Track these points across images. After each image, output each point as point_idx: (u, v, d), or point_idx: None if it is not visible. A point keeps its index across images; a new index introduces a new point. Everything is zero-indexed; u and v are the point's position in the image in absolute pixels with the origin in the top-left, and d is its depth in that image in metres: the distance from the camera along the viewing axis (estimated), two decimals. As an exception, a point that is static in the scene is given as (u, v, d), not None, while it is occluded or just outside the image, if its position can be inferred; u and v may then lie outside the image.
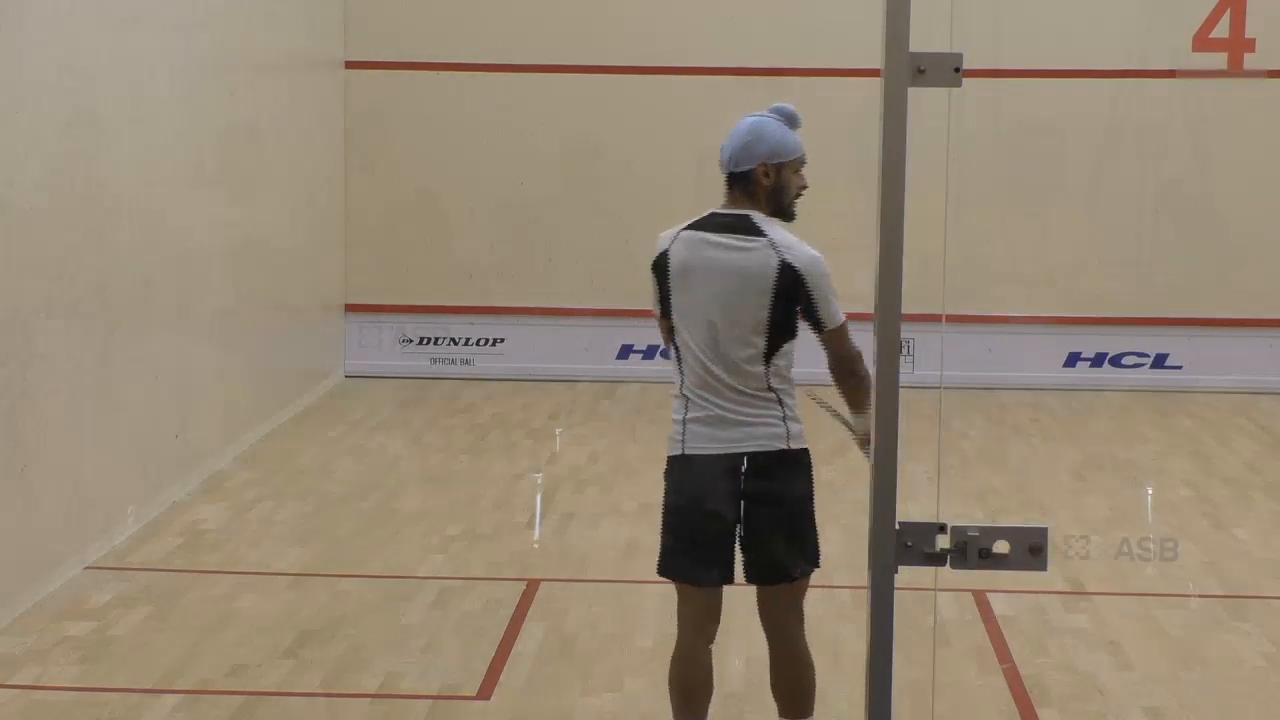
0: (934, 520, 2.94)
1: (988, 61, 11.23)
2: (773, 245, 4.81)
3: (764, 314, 4.78)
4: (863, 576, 2.91)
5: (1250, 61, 11.62)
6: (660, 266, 4.87)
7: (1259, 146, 11.82)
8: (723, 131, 5.00)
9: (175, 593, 7.09)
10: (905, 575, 2.90)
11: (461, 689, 6.01)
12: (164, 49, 8.42)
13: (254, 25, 9.91)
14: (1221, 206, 11.88)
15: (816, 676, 5.10)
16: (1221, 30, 11.56)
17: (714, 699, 6.01)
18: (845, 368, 4.86)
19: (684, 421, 4.87)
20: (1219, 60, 11.59)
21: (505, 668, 6.22)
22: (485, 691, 5.99)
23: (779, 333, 4.82)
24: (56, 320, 7.10)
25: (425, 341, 12.19)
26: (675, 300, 4.84)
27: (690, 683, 5.04)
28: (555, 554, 7.82)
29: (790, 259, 4.80)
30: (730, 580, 4.98)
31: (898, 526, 2.92)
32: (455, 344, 12.19)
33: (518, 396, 11.56)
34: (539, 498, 8.96)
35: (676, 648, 5.07)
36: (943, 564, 2.92)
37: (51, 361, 7.04)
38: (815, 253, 4.86)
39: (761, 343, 4.82)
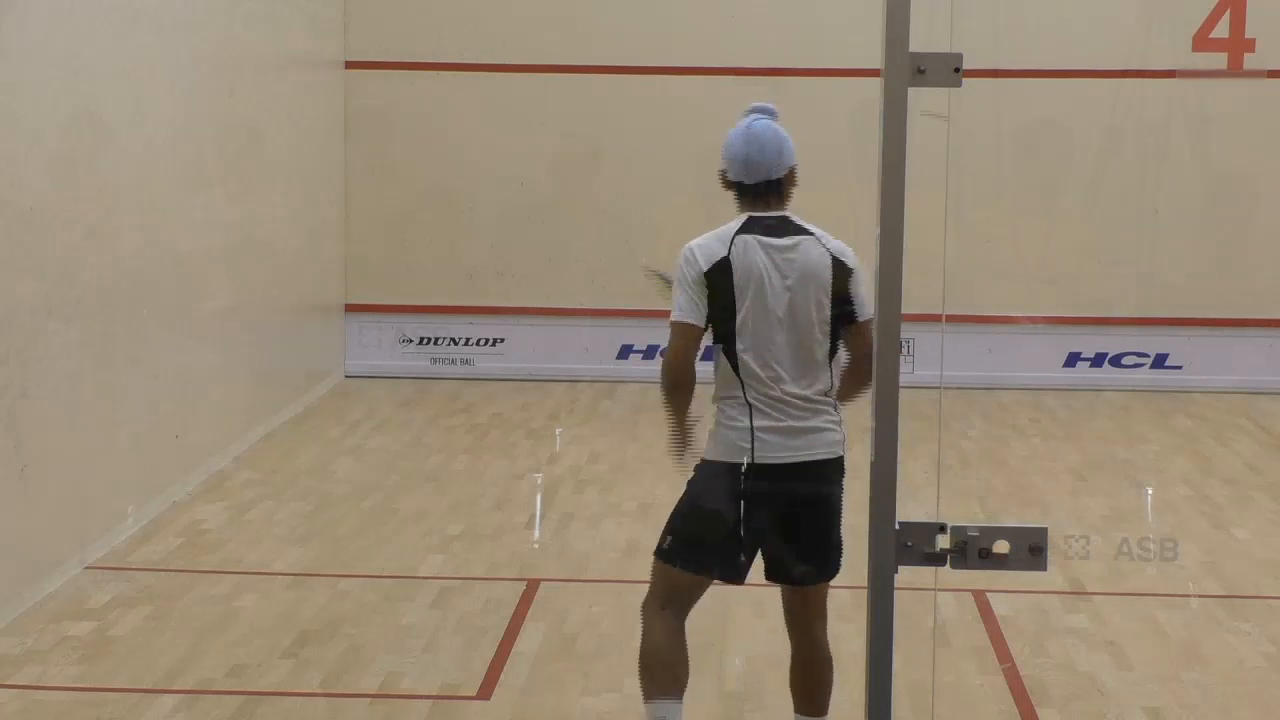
0: (934, 520, 2.94)
1: (988, 61, 11.22)
2: (819, 241, 4.88)
3: (826, 312, 4.82)
4: (863, 576, 2.91)
5: (1250, 61, 11.62)
6: (722, 272, 4.80)
7: (1259, 146, 11.82)
8: (724, 131, 5.00)
9: (175, 593, 7.08)
10: (905, 575, 2.90)
11: (461, 689, 6.01)
12: (164, 49, 8.42)
13: (254, 25, 9.91)
14: (1221, 206, 11.88)
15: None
16: (1221, 30, 11.56)
17: (715, 699, 6.02)
18: (866, 366, 4.77)
19: (751, 429, 4.83)
20: (1219, 60, 11.60)
21: (505, 668, 6.22)
22: (485, 691, 5.99)
23: (835, 331, 4.86)
24: (56, 320, 7.10)
25: (425, 341, 12.19)
26: (744, 307, 4.81)
27: (677, 662, 5.01)
28: (555, 554, 7.82)
29: (835, 252, 4.87)
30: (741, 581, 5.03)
31: (898, 526, 2.92)
32: (455, 344, 12.19)
33: (518, 396, 11.56)
34: (539, 498, 8.96)
35: (659, 632, 5.00)
36: (943, 564, 2.92)
37: (51, 361, 7.04)
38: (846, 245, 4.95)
39: (827, 343, 4.84)
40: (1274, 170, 11.84)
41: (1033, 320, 11.91)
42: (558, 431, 10.62)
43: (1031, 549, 2.87)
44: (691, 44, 11.90)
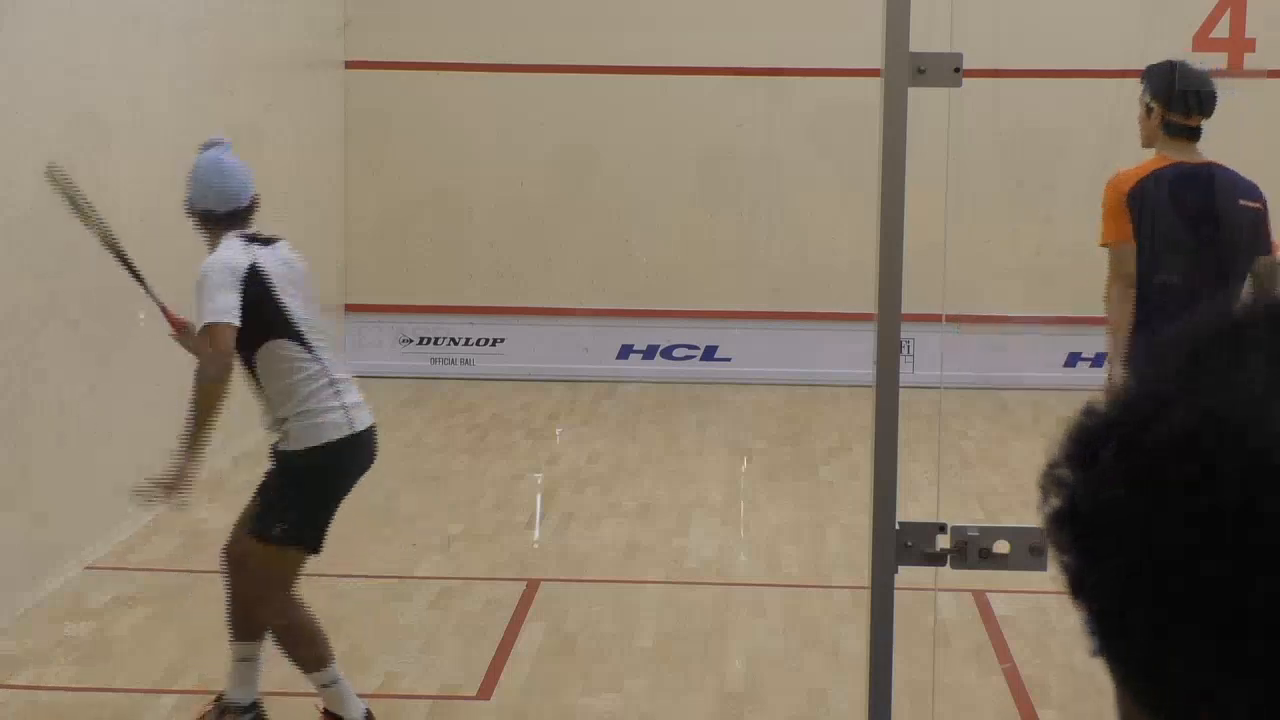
0: (934, 520, 2.94)
1: (988, 61, 11.22)
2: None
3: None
4: (863, 576, 2.91)
5: (1250, 61, 11.62)
6: (256, 278, 5.27)
7: (1259, 146, 11.82)
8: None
9: (175, 593, 7.08)
10: (905, 575, 2.90)
11: (461, 689, 6.01)
12: (164, 49, 8.42)
13: (254, 25, 9.91)
14: (1221, 206, 11.88)
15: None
16: (1221, 30, 11.56)
17: (714, 699, 6.04)
18: None
19: (344, 405, 5.34)
20: (1219, 60, 11.59)
21: (505, 668, 6.22)
22: (485, 691, 5.99)
23: None
24: (56, 321, 7.10)
25: (425, 341, 12.19)
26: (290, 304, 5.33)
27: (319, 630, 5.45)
28: (555, 554, 7.82)
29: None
30: None
31: (898, 526, 2.92)
32: (455, 344, 12.19)
33: (518, 396, 11.55)
34: (539, 498, 8.96)
35: (301, 611, 5.41)
36: (943, 564, 2.92)
37: (51, 362, 7.04)
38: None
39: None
40: (1274, 170, 11.83)
41: (1033, 320, 11.91)
42: (558, 431, 10.62)
43: (1031, 549, 2.87)
44: (691, 44, 11.89)
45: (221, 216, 5.34)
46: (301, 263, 5.54)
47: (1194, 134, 6.77)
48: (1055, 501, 0.90)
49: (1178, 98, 6.81)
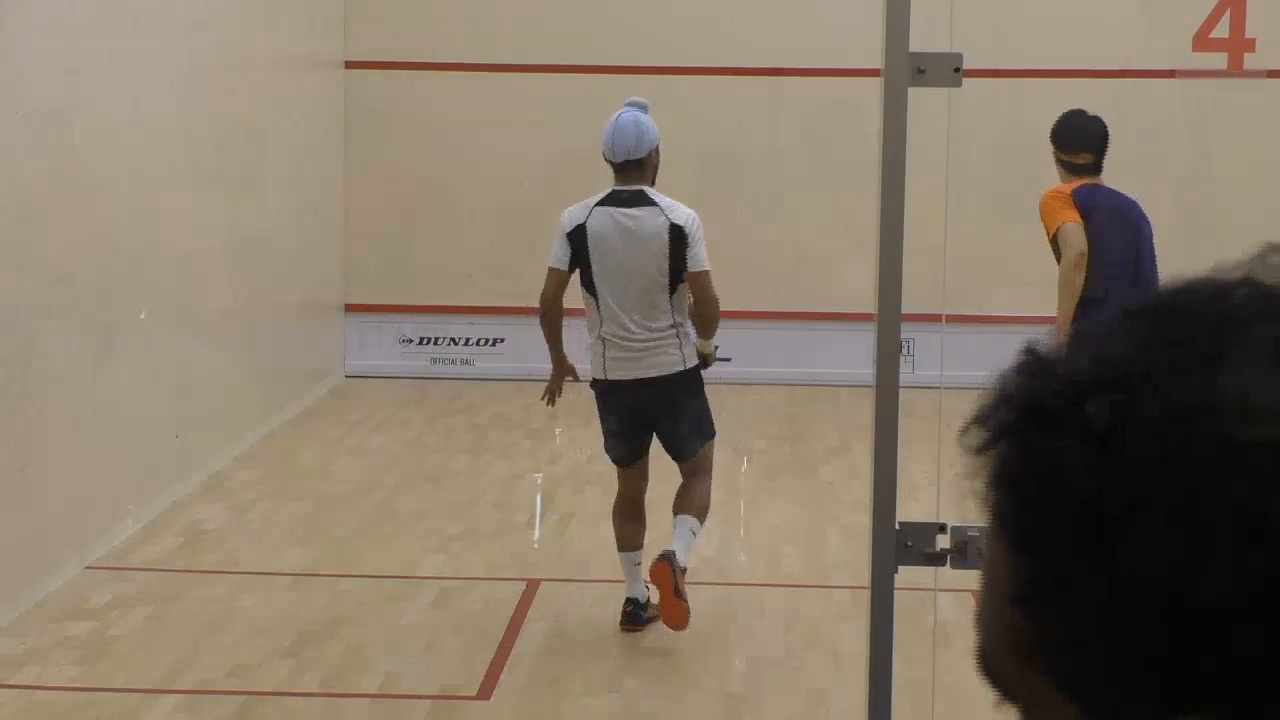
0: (934, 520, 2.94)
1: (988, 61, 11.22)
2: (663, 211, 6.41)
3: (664, 264, 6.35)
4: (863, 576, 2.92)
5: (1250, 61, 11.61)
6: (578, 237, 6.38)
7: (1259, 146, 11.81)
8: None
9: (175, 593, 7.08)
10: (905, 575, 2.90)
11: (461, 689, 6.01)
12: (164, 49, 8.42)
13: (254, 25, 9.91)
14: (1221, 206, 11.88)
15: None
16: (1221, 30, 11.56)
17: (714, 699, 6.04)
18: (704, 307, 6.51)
19: (603, 357, 6.48)
20: (1219, 60, 11.59)
21: (505, 668, 6.22)
22: (485, 691, 5.99)
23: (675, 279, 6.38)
24: (56, 320, 7.10)
25: (425, 341, 12.18)
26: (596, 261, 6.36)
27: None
28: (555, 554, 7.82)
29: (675, 219, 6.40)
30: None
31: (898, 526, 2.92)
32: (455, 344, 12.18)
33: (518, 396, 11.54)
34: (539, 498, 8.95)
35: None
36: (943, 564, 2.92)
37: (51, 361, 7.04)
38: (691, 211, 6.54)
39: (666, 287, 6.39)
40: (1274, 170, 11.84)
41: (1033, 320, 11.90)
42: (558, 431, 10.61)
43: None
44: (691, 44, 11.89)
45: (612, 165, 6.49)
46: (645, 224, 6.37)
47: (1079, 170, 7.26)
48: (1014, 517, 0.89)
49: (1060, 136, 7.41)
